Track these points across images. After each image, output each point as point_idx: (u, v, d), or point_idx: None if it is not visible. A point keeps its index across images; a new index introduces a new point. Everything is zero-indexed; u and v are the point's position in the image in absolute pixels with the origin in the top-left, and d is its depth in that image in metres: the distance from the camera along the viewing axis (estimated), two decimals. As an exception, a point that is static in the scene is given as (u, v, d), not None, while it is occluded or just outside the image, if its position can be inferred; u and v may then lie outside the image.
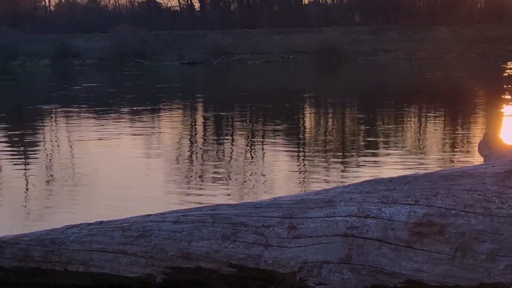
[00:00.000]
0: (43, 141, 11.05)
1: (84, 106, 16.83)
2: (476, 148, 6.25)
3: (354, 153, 8.75)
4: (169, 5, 70.73)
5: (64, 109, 16.52)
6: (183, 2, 66.88)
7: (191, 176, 7.47)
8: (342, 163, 7.98)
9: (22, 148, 10.21)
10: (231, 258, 2.98)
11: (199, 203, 5.26)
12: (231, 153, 9.20)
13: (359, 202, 3.01)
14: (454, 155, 8.51)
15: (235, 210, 3.16)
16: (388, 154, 8.44)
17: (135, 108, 16.03)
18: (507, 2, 53.13)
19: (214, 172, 7.58)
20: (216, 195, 6.24)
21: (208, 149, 9.63)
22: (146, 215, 3.29)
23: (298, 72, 34.45)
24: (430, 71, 30.52)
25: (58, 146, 10.37)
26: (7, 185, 7.10)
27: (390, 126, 12.03)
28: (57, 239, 3.22)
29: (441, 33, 46.90)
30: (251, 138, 10.64)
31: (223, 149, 9.49)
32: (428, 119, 12.90)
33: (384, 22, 50.53)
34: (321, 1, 63.65)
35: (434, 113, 13.63)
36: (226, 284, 3.01)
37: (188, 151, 9.72)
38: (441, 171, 3.26)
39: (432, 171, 3.34)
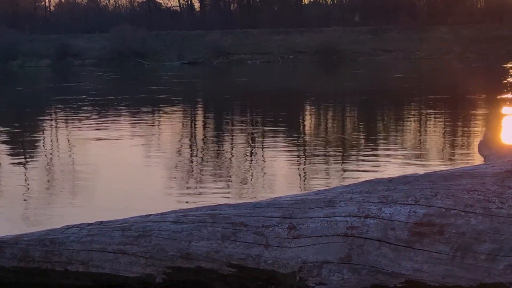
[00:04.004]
0: (43, 141, 11.05)
1: (84, 106, 16.83)
2: (476, 148, 6.25)
3: (354, 153, 8.75)
4: (169, 5, 70.79)
5: (63, 109, 16.52)
6: (183, 2, 66.94)
7: (191, 176, 7.47)
8: (342, 163, 7.98)
9: (22, 148, 10.21)
10: (231, 258, 2.98)
11: (199, 203, 5.26)
12: (231, 153, 9.21)
13: (359, 202, 3.01)
14: (454, 155, 8.51)
15: (235, 210, 3.15)
16: (388, 154, 8.44)
17: (135, 108, 16.03)
18: (507, 2, 53.14)
19: (214, 172, 7.58)
20: (216, 195, 6.24)
21: (208, 149, 9.63)
22: (146, 215, 3.29)
23: (298, 72, 34.46)
24: (431, 70, 30.54)
25: (58, 146, 10.37)
26: (7, 185, 7.10)
27: (390, 126, 12.03)
28: (57, 239, 3.22)
29: (441, 33, 46.89)
30: (251, 138, 10.64)
31: (223, 149, 9.50)
32: (428, 119, 12.90)
33: (384, 22, 50.51)
34: (321, 1, 63.66)
35: (434, 113, 13.63)
36: (226, 284, 3.01)
37: (188, 151, 9.72)
38: (441, 171, 3.26)
39: (432, 171, 3.34)
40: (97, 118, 13.73)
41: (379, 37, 48.57)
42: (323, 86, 23.98)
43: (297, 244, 2.93)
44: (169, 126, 12.68)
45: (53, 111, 16.56)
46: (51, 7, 70.71)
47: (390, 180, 3.15)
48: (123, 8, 69.84)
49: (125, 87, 25.50)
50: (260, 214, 3.08)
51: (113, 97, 19.96)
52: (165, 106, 16.86)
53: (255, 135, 11.07)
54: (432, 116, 13.26)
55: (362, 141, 10.05)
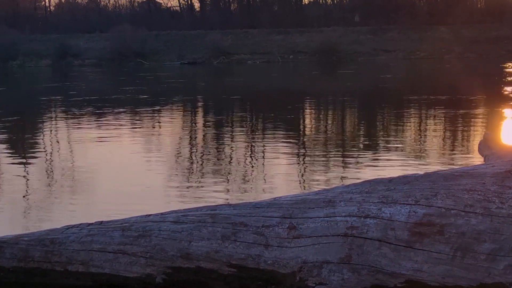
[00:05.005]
0: (43, 141, 11.05)
1: (84, 106, 16.83)
2: (476, 148, 6.24)
3: (354, 153, 8.75)
4: (169, 5, 70.82)
5: (64, 109, 16.52)
6: (183, 2, 66.96)
7: (191, 176, 7.47)
8: (342, 163, 7.98)
9: (22, 148, 10.21)
10: (231, 258, 2.98)
11: (199, 203, 5.26)
12: (231, 153, 9.21)
13: (359, 202, 3.01)
14: (454, 155, 8.51)
15: (235, 210, 3.16)
16: (388, 154, 8.44)
17: (135, 108, 16.02)
18: (507, 2, 53.14)
19: (214, 172, 7.58)
20: (216, 195, 6.24)
21: (208, 149, 9.63)
22: (146, 215, 3.29)
23: (298, 72, 34.45)
24: (432, 71, 30.53)
25: (58, 146, 10.37)
26: (8, 186, 7.10)
27: (390, 126, 12.03)
28: (57, 239, 3.22)
29: (441, 33, 46.88)
30: (251, 138, 10.64)
31: (223, 149, 9.50)
32: (428, 119, 12.90)
33: (384, 22, 50.52)
34: (321, 1, 63.65)
35: (434, 113, 13.63)
36: (226, 284, 3.01)
37: (188, 151, 9.72)
38: (441, 171, 3.26)
39: (432, 171, 3.34)
40: (98, 118, 13.73)
41: (379, 37, 48.57)
42: (321, 86, 23.98)
43: (297, 244, 2.93)
44: (170, 126, 12.68)
45: (53, 111, 16.55)
46: (51, 7, 70.83)
47: (390, 180, 3.15)
48: (123, 8, 69.90)
49: (111, 87, 25.46)
50: (260, 214, 3.08)
51: (113, 96, 19.97)
52: (165, 106, 16.87)
53: (255, 135, 11.07)
54: (432, 116, 13.26)
55: (362, 141, 10.05)
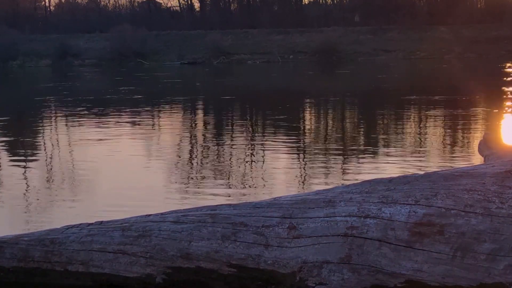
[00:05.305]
0: (43, 142, 11.05)
1: (84, 106, 16.83)
2: (476, 148, 6.24)
3: (354, 153, 8.75)
4: (169, 5, 70.85)
5: (64, 109, 16.53)
6: (183, 2, 66.98)
7: (191, 176, 7.47)
8: (342, 163, 7.99)
9: (22, 148, 10.21)
10: (231, 258, 2.98)
11: (199, 203, 5.26)
12: (231, 153, 9.21)
13: (359, 202, 3.01)
14: (454, 155, 8.51)
15: (235, 210, 3.16)
16: (388, 154, 8.44)
17: (135, 108, 16.02)
18: (507, 2, 53.16)
19: (214, 172, 7.58)
20: (216, 195, 6.24)
21: (208, 149, 9.63)
22: (146, 215, 3.30)
23: (298, 72, 34.45)
24: (432, 71, 30.53)
25: (58, 146, 10.37)
26: (7, 185, 7.10)
27: (390, 126, 12.03)
28: (57, 239, 3.22)
29: (441, 33, 46.88)
30: (251, 138, 10.64)
31: (223, 149, 9.50)
32: (428, 119, 12.90)
33: (384, 22, 50.52)
34: (321, 1, 63.66)
35: (434, 113, 13.63)
36: (226, 284, 3.01)
37: (188, 151, 9.72)
38: (441, 171, 3.26)
39: (432, 171, 3.34)
40: (98, 118, 13.74)
41: (379, 37, 48.57)
42: (320, 86, 23.99)
43: (297, 244, 2.94)
44: (170, 126, 12.68)
45: (53, 111, 16.55)
46: (51, 7, 70.86)
47: (390, 180, 3.15)
48: (123, 8, 69.92)
49: (107, 87, 25.47)
50: (260, 214, 3.08)
51: (113, 97, 19.98)
52: (165, 107, 16.87)
53: (255, 135, 11.07)
54: (432, 116, 13.26)
55: (362, 141, 10.05)
